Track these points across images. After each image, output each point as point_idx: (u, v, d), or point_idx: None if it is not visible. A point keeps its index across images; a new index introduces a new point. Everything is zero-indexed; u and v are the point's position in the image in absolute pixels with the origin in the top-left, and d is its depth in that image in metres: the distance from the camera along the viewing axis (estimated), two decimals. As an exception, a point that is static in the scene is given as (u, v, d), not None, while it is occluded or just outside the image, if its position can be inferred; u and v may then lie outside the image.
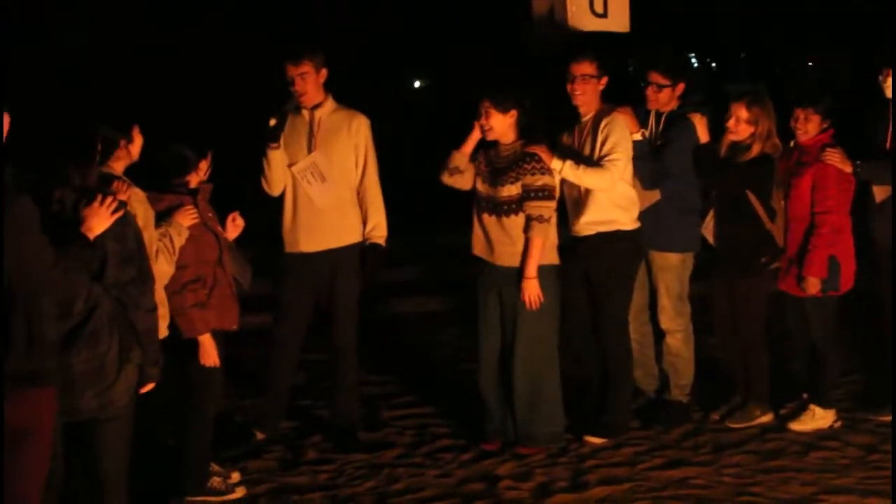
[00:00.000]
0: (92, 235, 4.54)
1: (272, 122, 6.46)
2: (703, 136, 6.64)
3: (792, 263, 6.64)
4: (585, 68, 6.51)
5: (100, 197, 4.57)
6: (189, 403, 5.79)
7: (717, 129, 6.67)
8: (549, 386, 6.43)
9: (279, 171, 6.57)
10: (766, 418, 6.83)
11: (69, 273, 4.42)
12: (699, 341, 7.02)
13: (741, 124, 6.57)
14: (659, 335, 6.99)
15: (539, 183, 6.23)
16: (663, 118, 6.80)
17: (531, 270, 6.26)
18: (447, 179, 6.52)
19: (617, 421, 6.71)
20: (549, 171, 6.27)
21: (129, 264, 4.71)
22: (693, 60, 23.88)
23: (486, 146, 6.47)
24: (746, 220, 6.59)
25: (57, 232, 4.41)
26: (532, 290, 6.26)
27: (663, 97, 6.76)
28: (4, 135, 4.43)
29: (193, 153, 5.70)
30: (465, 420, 6.91)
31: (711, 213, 6.76)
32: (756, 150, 6.55)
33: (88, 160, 4.75)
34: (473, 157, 6.50)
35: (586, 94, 6.52)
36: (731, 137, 6.60)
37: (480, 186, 6.45)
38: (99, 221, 4.56)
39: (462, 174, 6.48)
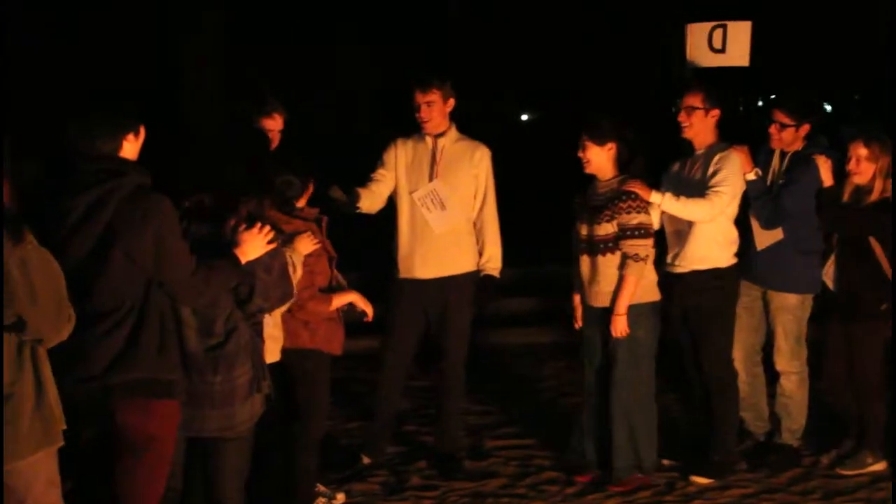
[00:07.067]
0: (244, 259, 4.62)
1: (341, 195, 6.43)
2: (826, 179, 6.52)
3: (911, 310, 6.51)
4: (691, 100, 6.50)
5: (259, 225, 4.67)
6: (296, 425, 5.81)
7: (841, 174, 6.54)
8: (643, 426, 6.39)
9: (367, 205, 6.56)
10: (879, 467, 6.67)
11: (210, 284, 4.48)
12: (810, 385, 6.86)
13: (862, 163, 6.45)
14: (772, 377, 6.88)
15: (635, 221, 6.19)
16: (787, 158, 6.70)
17: (621, 307, 6.22)
18: None
19: (724, 462, 6.62)
20: (646, 209, 6.22)
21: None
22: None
23: (583, 182, 6.43)
24: (867, 265, 6.46)
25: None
26: (620, 327, 6.22)
27: (786, 136, 6.65)
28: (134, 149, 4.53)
29: (298, 179, 5.70)
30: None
31: (832, 258, 6.64)
32: (878, 189, 6.43)
33: (267, 194, 4.88)
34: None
35: (692, 125, 6.51)
36: (856, 180, 6.48)
37: (577, 226, 6.43)
38: (253, 247, 4.65)
39: None
